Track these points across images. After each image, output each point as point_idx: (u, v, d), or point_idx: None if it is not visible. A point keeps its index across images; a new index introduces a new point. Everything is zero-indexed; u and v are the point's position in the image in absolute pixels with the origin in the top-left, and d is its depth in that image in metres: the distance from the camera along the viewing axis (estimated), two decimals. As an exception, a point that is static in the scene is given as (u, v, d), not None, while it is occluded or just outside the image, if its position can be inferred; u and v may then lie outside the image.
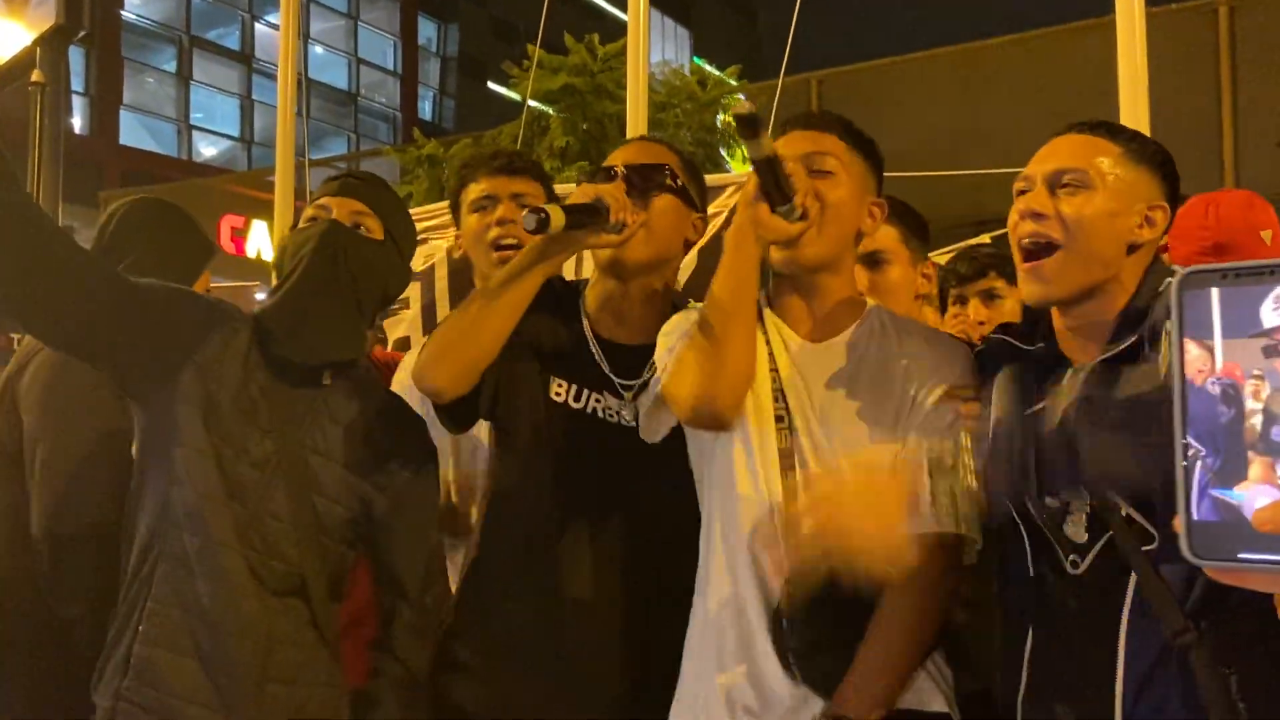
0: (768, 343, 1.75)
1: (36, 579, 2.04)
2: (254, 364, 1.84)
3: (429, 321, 3.61)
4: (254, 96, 31.11)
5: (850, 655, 1.61)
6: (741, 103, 1.55)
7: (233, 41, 31.37)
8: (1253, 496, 0.69)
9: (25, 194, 1.66)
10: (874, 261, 2.32)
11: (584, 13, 29.15)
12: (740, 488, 1.70)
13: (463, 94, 35.70)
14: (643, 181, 1.85)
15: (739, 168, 12.34)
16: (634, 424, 1.83)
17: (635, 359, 1.89)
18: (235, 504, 1.77)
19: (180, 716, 1.74)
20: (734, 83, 13.91)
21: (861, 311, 1.79)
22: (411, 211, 2.30)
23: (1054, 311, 1.57)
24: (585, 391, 1.89)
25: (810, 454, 1.68)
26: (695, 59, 17.06)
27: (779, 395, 1.71)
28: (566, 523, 1.86)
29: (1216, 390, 0.71)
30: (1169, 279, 1.42)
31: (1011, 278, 2.80)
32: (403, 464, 1.92)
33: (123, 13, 28.09)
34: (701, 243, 4.67)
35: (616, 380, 1.90)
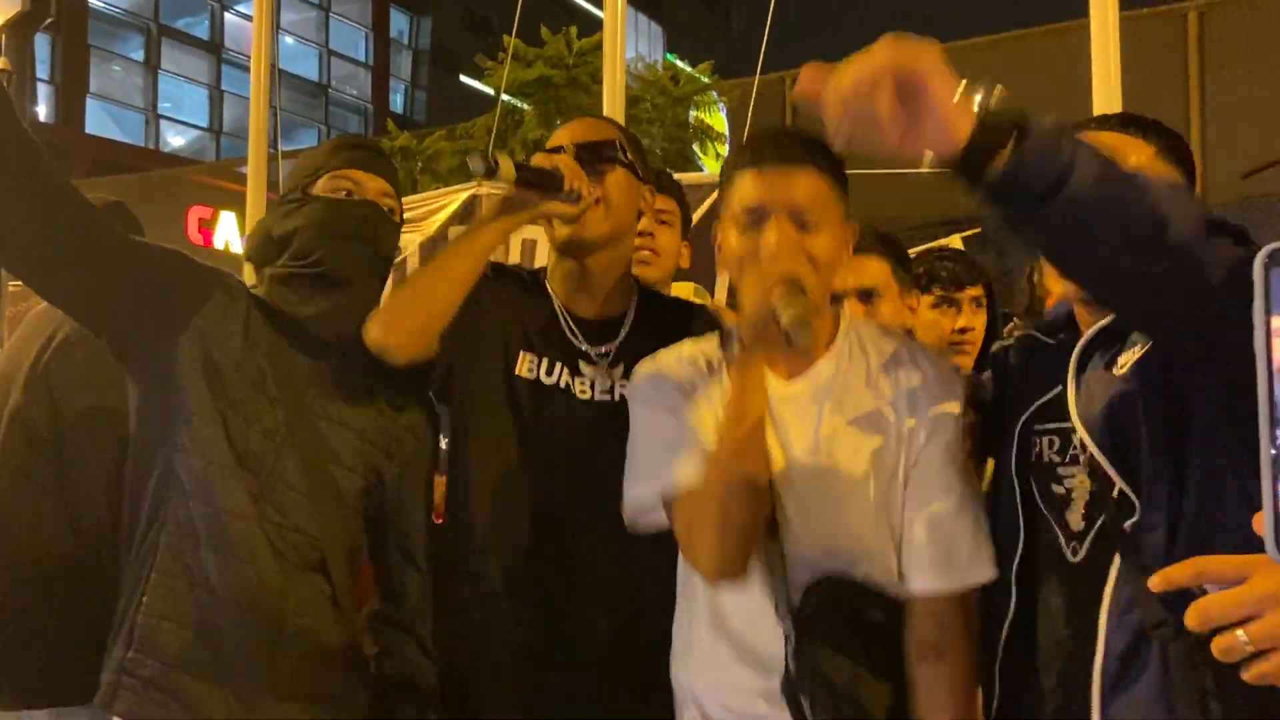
0: None
1: (84, 566, 2.00)
2: (256, 331, 1.81)
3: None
4: (223, 87, 30.83)
5: (877, 711, 1.55)
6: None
7: (202, 31, 31.06)
8: None
9: (33, 144, 1.58)
10: (865, 296, 2.28)
11: (557, 7, 29.06)
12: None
13: (435, 87, 35.53)
14: (593, 158, 1.85)
15: (712, 165, 12.35)
16: (608, 396, 1.84)
17: (606, 330, 1.91)
18: (246, 473, 1.73)
19: (182, 689, 1.69)
20: (706, 80, 13.92)
21: (836, 332, 1.68)
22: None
23: (1077, 306, 1.57)
24: (558, 364, 1.87)
25: (792, 508, 1.59)
26: (668, 55, 17.03)
27: None
28: (540, 507, 1.83)
29: None
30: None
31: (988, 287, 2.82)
32: (410, 431, 1.92)
33: (90, 0, 27.76)
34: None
35: (591, 351, 1.89)
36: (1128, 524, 1.40)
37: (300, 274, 1.84)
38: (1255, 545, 0.73)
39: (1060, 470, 1.52)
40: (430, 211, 4.73)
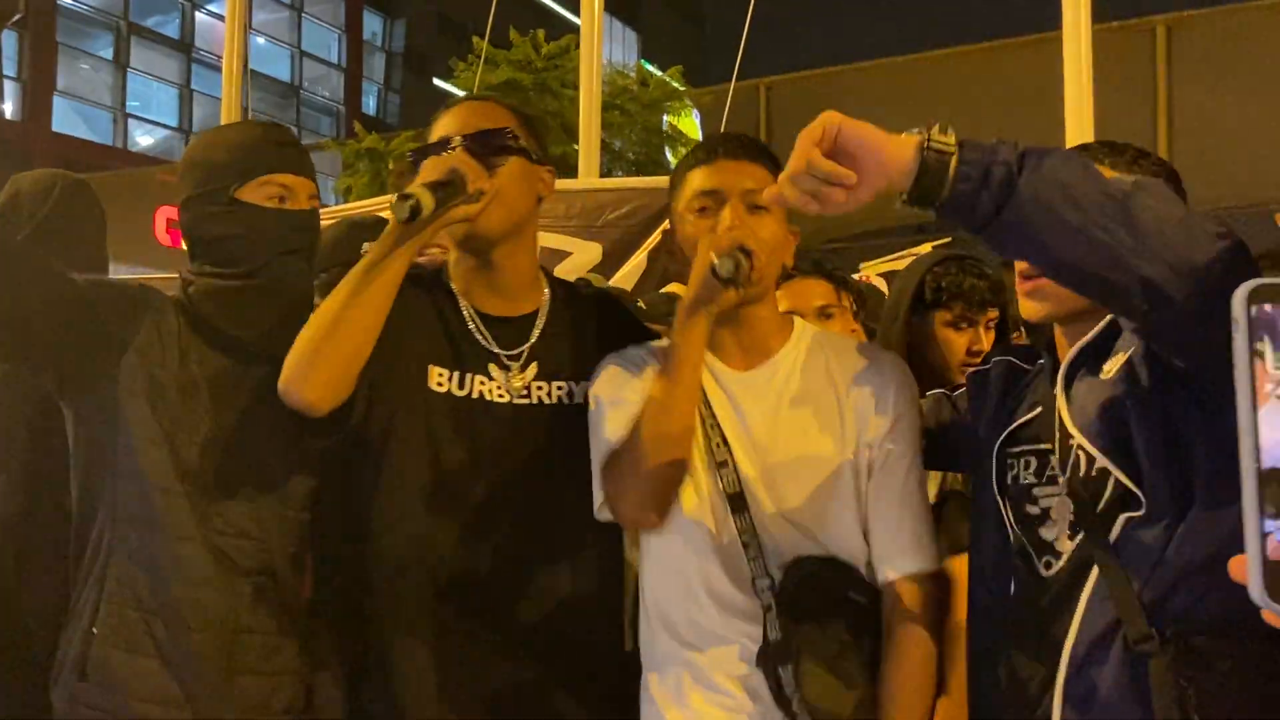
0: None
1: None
2: (188, 343, 1.79)
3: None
4: (193, 86, 30.58)
5: (861, 686, 1.61)
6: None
7: (172, 30, 30.80)
8: None
9: None
10: (823, 313, 2.37)
11: (532, 11, 29.02)
12: (697, 532, 1.69)
13: (407, 89, 35.40)
14: (485, 149, 1.74)
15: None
16: (525, 400, 1.79)
17: (517, 330, 1.83)
18: (191, 489, 1.72)
19: (141, 717, 1.69)
20: (677, 85, 13.95)
21: (789, 333, 1.77)
22: (351, 205, 2.26)
23: (1057, 329, 1.58)
24: (468, 376, 1.79)
25: (760, 489, 1.67)
26: (642, 61, 17.06)
27: (719, 442, 1.68)
28: (464, 521, 1.77)
29: None
30: None
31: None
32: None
33: (58, -3, 27.48)
34: (651, 244, 4.64)
35: (501, 354, 1.81)
36: (1121, 520, 1.40)
37: (232, 284, 1.80)
38: None
39: (1036, 491, 1.54)
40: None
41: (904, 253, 6.93)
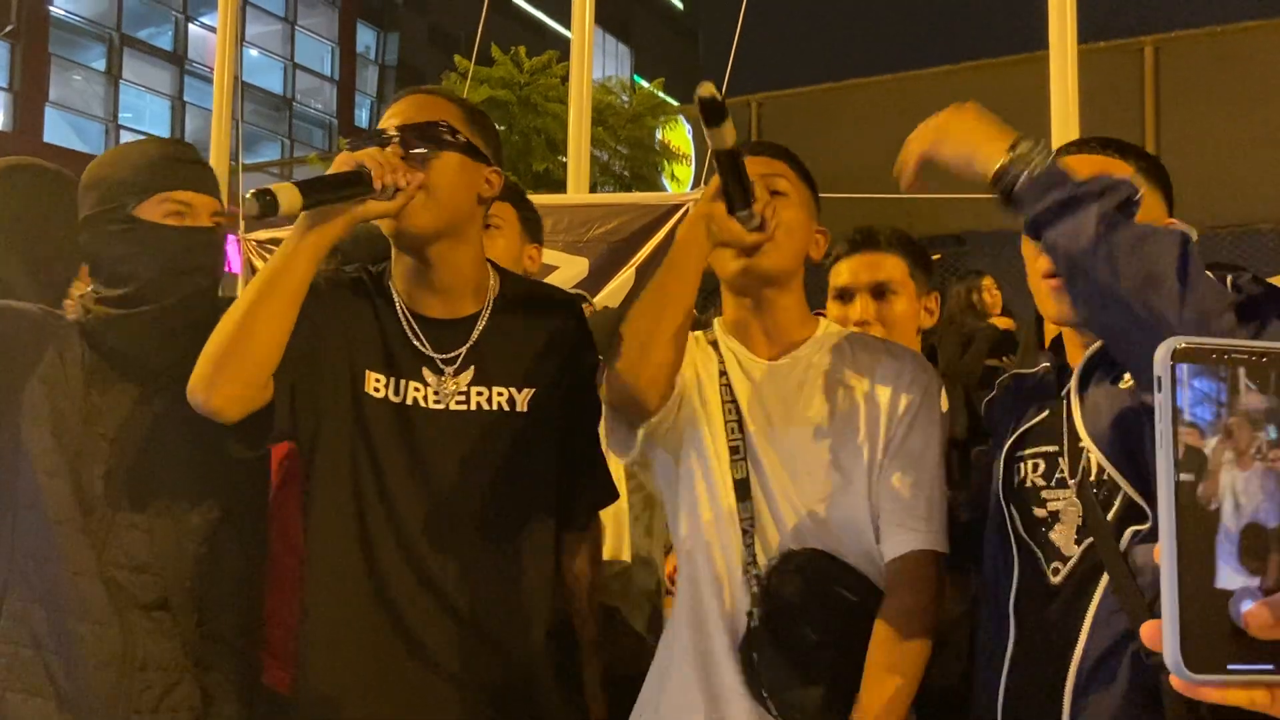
0: (723, 370, 1.77)
1: None
2: (90, 369, 1.75)
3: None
4: (185, 98, 30.54)
5: (828, 683, 1.61)
6: (705, 84, 1.48)
7: (165, 42, 30.78)
8: (1240, 595, 0.60)
9: None
10: (880, 292, 2.29)
11: (525, 26, 29.07)
12: (704, 519, 1.72)
13: (395, 94, 35.39)
14: (418, 141, 1.69)
15: (675, 187, 12.38)
16: (463, 406, 1.74)
17: (455, 333, 1.77)
18: (91, 523, 1.68)
19: None
20: (662, 94, 13.94)
21: (814, 328, 1.82)
22: None
23: (1067, 333, 1.58)
24: (402, 381, 1.74)
25: (772, 478, 1.70)
26: (635, 77, 17.09)
27: (736, 426, 1.72)
28: (400, 530, 1.72)
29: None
30: None
31: None
32: (258, 462, 1.86)
33: (51, 8, 27.44)
34: (639, 260, 4.65)
35: (436, 357, 1.75)
36: (1129, 532, 1.40)
37: (131, 312, 1.76)
38: None
39: (1045, 494, 1.53)
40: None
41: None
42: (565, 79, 12.48)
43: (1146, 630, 0.64)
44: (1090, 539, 1.45)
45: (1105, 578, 1.42)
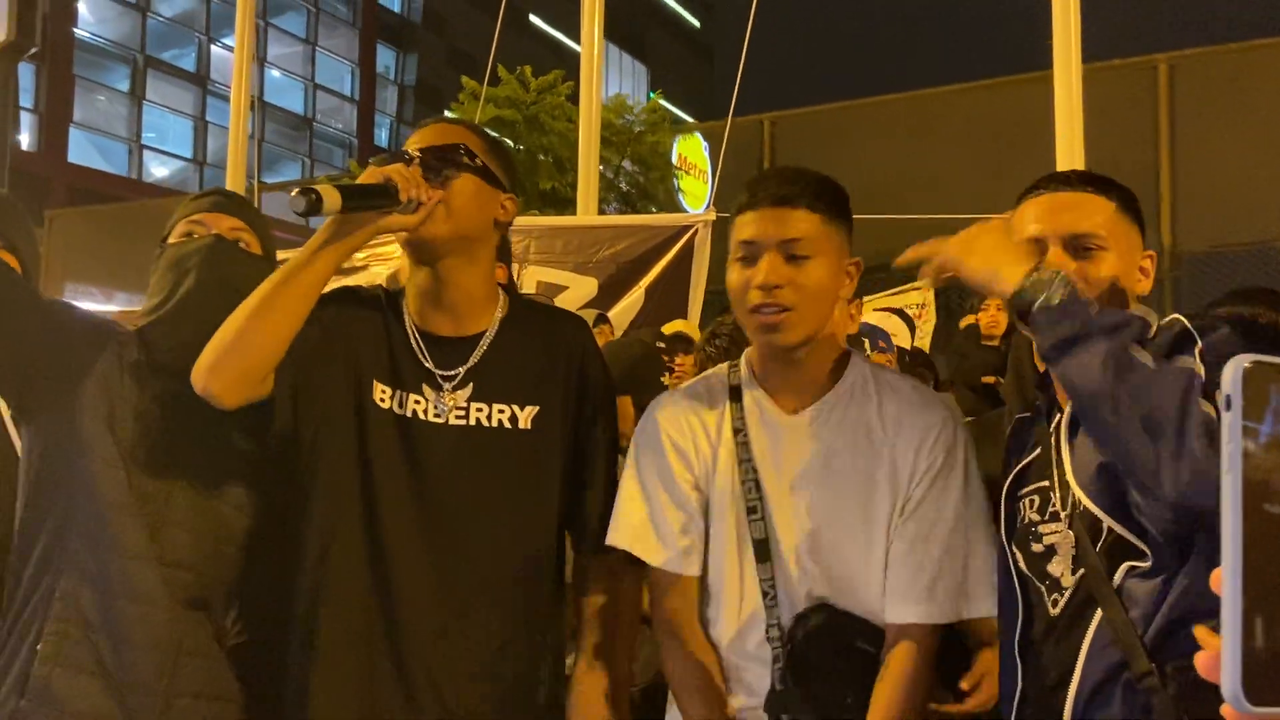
0: (741, 425, 1.74)
1: None
2: (145, 375, 1.84)
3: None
4: (208, 118, 30.88)
5: None
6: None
7: (188, 63, 31.16)
8: None
9: None
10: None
11: (542, 46, 29.29)
12: (726, 579, 1.71)
13: (419, 122, 35.58)
14: (439, 163, 1.76)
15: (690, 201, 12.41)
16: (462, 421, 1.77)
17: (458, 350, 1.81)
18: (144, 514, 1.75)
19: None
20: (666, 103, 13.84)
21: (843, 370, 1.76)
22: None
23: (1057, 380, 1.59)
24: (405, 395, 1.78)
25: (788, 537, 1.68)
26: (651, 94, 17.13)
27: (753, 484, 1.70)
28: (397, 539, 1.75)
29: None
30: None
31: None
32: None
33: (76, 31, 27.83)
34: (648, 281, 4.69)
35: (437, 373, 1.79)
36: (1124, 568, 1.42)
37: (157, 315, 1.86)
38: None
39: (1040, 528, 1.55)
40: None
41: (903, 288, 7.01)
42: (569, 97, 12.50)
43: (1202, 659, 0.62)
44: (1083, 570, 1.48)
45: (1099, 612, 1.44)
